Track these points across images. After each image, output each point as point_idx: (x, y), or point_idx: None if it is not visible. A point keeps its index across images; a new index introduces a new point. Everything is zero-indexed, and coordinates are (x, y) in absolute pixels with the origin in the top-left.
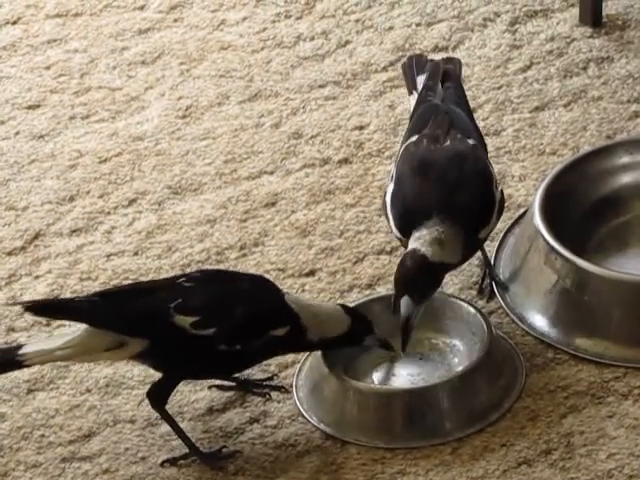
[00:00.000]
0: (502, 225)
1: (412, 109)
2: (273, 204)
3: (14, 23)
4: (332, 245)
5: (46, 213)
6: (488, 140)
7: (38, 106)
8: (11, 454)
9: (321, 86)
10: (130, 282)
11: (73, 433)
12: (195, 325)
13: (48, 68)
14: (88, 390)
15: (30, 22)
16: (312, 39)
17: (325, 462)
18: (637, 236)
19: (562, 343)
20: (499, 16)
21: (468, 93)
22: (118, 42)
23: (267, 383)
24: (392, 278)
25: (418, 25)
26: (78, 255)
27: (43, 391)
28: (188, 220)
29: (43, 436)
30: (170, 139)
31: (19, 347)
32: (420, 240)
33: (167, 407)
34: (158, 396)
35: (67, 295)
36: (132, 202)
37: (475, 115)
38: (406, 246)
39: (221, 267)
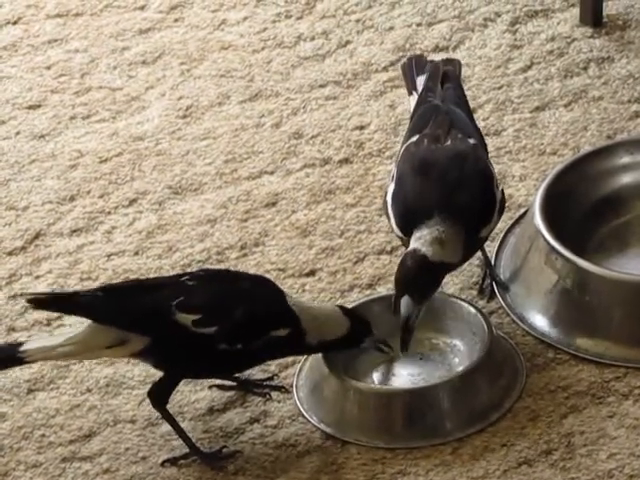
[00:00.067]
0: (502, 225)
1: (412, 110)
2: (273, 204)
3: (15, 23)
4: (332, 245)
5: (46, 213)
6: (488, 140)
7: (39, 106)
8: (11, 454)
9: (321, 86)
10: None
11: (73, 433)
12: (196, 323)
13: (49, 68)
14: (88, 390)
15: (31, 22)
16: (312, 39)
17: (325, 462)
18: (637, 236)
19: (563, 343)
20: (500, 16)
21: (469, 93)
22: (119, 42)
23: (267, 383)
24: (392, 278)
25: (419, 25)
26: (78, 255)
27: (43, 391)
28: (188, 220)
29: (43, 436)
30: (170, 139)
31: (20, 344)
32: (421, 240)
33: (168, 407)
34: (159, 395)
35: None
36: (132, 202)
37: (476, 115)
38: (407, 245)
39: (221, 267)
